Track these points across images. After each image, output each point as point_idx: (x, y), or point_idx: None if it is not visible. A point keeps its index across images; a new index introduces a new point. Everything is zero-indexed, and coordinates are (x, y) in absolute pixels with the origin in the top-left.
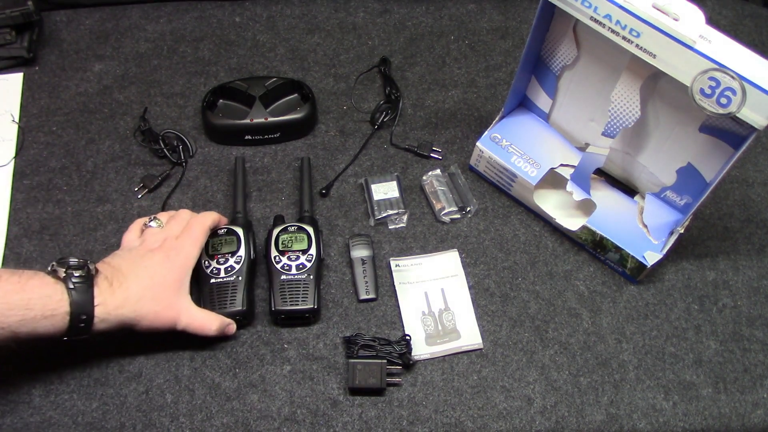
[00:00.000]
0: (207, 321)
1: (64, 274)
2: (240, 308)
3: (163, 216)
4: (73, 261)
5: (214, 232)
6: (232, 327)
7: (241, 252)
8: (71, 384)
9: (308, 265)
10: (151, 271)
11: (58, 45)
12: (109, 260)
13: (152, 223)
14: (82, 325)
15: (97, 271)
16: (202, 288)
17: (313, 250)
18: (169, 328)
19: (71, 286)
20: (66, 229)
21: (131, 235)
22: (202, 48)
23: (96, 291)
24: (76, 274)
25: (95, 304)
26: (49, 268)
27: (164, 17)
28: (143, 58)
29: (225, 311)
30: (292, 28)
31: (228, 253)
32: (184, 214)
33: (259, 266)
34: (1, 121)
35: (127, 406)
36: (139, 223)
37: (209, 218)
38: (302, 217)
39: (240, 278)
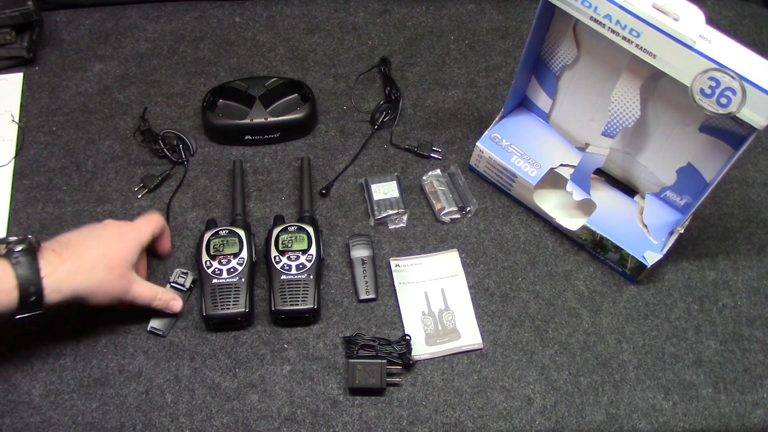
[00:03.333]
0: (153, 293)
1: (6, 250)
2: (243, 310)
3: None
4: (12, 238)
5: (215, 233)
6: (176, 303)
7: (244, 254)
8: (71, 384)
9: (308, 265)
10: (105, 240)
11: (58, 45)
12: (56, 237)
13: None
14: (33, 298)
15: (39, 245)
16: (204, 287)
17: (313, 250)
18: (118, 298)
19: (14, 261)
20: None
21: None
22: (202, 48)
23: (42, 263)
24: (18, 248)
25: (42, 275)
26: None
27: (164, 17)
28: (143, 58)
29: (227, 312)
30: (292, 28)
31: (230, 255)
32: (151, 213)
33: (258, 266)
34: (1, 121)
35: (127, 406)
36: None
37: (157, 219)
38: (302, 217)
39: (242, 280)
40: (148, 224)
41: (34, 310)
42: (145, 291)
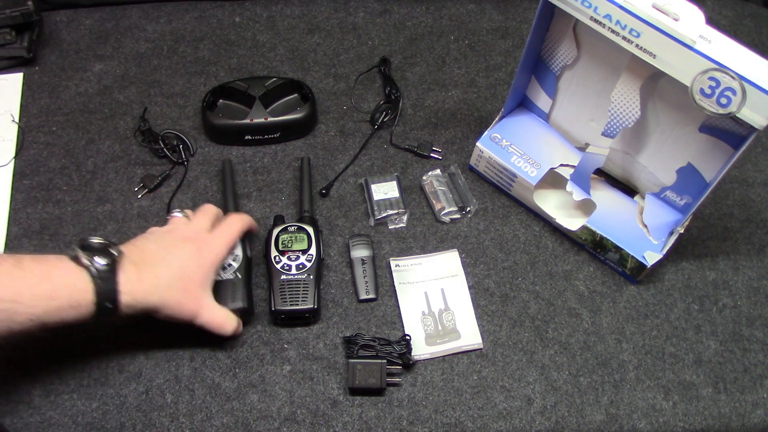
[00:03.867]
0: (226, 320)
1: (87, 261)
2: (241, 305)
3: (187, 211)
4: (95, 242)
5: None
6: (240, 328)
7: (238, 251)
8: (71, 384)
9: (308, 265)
10: (183, 261)
11: (58, 45)
12: (136, 242)
13: (177, 213)
14: (108, 310)
15: (121, 253)
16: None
17: (313, 250)
18: (188, 321)
19: (95, 274)
20: (66, 229)
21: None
22: (202, 48)
23: (122, 278)
24: (101, 262)
25: (120, 291)
26: (71, 254)
27: (164, 17)
28: (143, 58)
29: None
30: (292, 28)
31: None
32: (211, 208)
33: (258, 266)
34: (1, 121)
35: (127, 406)
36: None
37: (246, 221)
38: (302, 217)
39: (239, 276)
40: (227, 243)
41: (107, 321)
42: (217, 319)
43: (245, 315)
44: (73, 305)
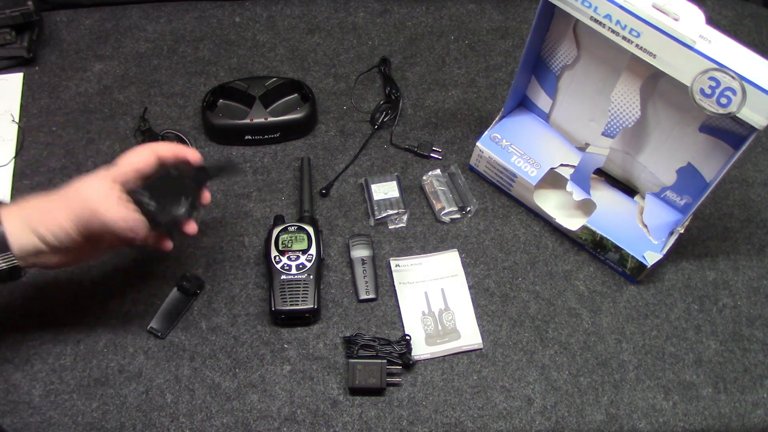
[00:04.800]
0: (130, 217)
1: None
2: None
3: None
4: None
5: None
6: (168, 243)
7: (312, 251)
8: (71, 384)
9: (308, 265)
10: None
11: (58, 45)
12: None
13: None
14: None
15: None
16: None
17: (313, 250)
18: (94, 225)
19: None
20: None
21: None
22: (202, 48)
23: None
24: None
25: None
26: None
27: (164, 17)
28: (143, 58)
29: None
30: (292, 28)
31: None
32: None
33: (258, 266)
34: (1, 121)
35: (127, 406)
36: None
37: (164, 146)
38: (302, 217)
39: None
40: (129, 163)
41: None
42: (118, 213)
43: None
44: None
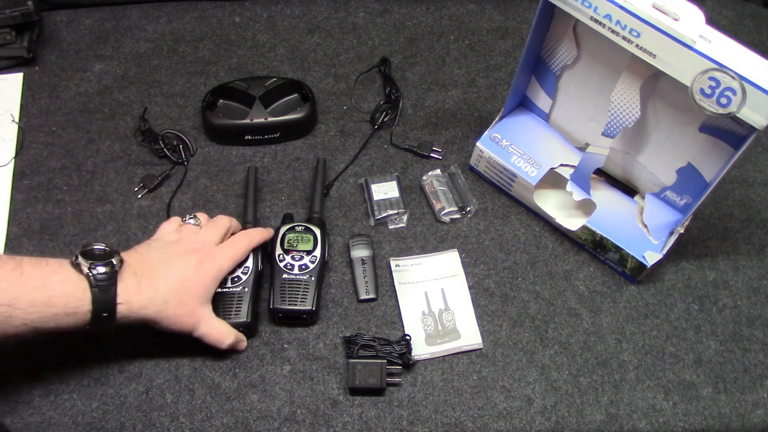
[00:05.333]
0: (224, 334)
1: (87, 269)
2: (244, 320)
3: (202, 216)
4: (98, 249)
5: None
6: (243, 344)
7: (249, 263)
8: (71, 384)
9: (311, 266)
10: (183, 274)
11: (58, 45)
12: (141, 250)
13: (191, 220)
14: (104, 319)
15: (122, 262)
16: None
17: (317, 252)
18: (186, 333)
19: (94, 284)
20: (66, 229)
21: (169, 227)
22: (202, 48)
23: (120, 288)
24: (101, 271)
25: (118, 302)
26: (72, 259)
27: (164, 17)
28: (143, 58)
29: (229, 322)
30: (292, 28)
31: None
32: (223, 220)
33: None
34: (1, 121)
35: (127, 406)
36: (177, 219)
37: (257, 236)
38: (311, 217)
39: (246, 289)
40: (232, 259)
41: (103, 329)
42: (214, 332)
43: (248, 330)
44: (69, 313)
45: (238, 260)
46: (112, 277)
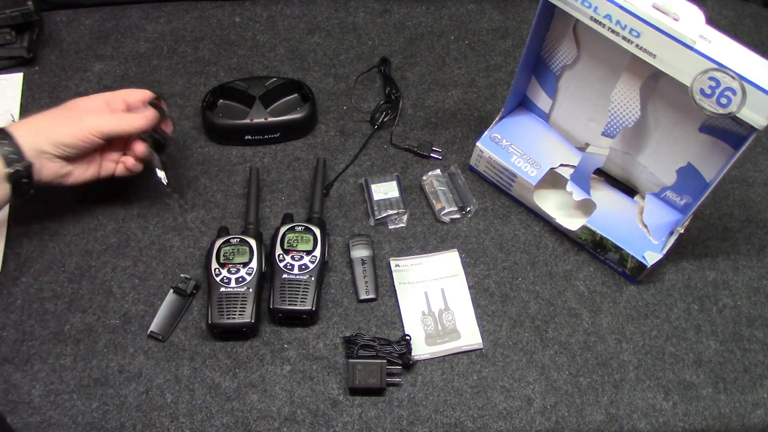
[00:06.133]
0: (129, 119)
1: None
2: (248, 320)
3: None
4: None
5: (226, 241)
6: (169, 126)
7: (253, 264)
8: (71, 384)
9: (311, 266)
10: (65, 104)
11: (58, 45)
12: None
13: None
14: (22, 173)
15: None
16: (211, 295)
17: (317, 252)
18: (84, 137)
19: None
20: (66, 229)
21: None
22: (202, 48)
23: (14, 131)
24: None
25: (15, 136)
26: None
27: (164, 17)
28: (143, 58)
29: (233, 322)
30: (292, 28)
31: (240, 264)
32: (126, 92)
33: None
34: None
35: (127, 406)
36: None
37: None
38: (311, 218)
39: (250, 290)
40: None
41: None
42: (107, 121)
43: (251, 330)
44: None
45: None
46: (5, 130)
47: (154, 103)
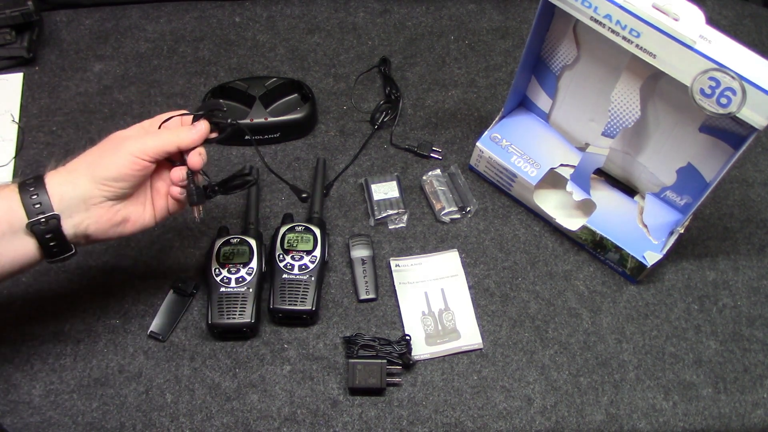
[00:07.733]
0: (166, 135)
1: (18, 187)
2: (249, 320)
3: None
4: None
5: (226, 241)
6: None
7: (253, 264)
8: (71, 384)
9: (311, 266)
10: (98, 148)
11: (58, 45)
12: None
13: None
14: (42, 222)
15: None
16: (211, 295)
17: (317, 252)
18: (130, 164)
19: (23, 186)
20: None
21: None
22: (202, 48)
23: (48, 181)
24: (29, 179)
25: (49, 193)
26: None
27: (164, 17)
28: (143, 58)
29: (233, 322)
30: (292, 28)
31: (240, 264)
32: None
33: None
34: (1, 121)
35: (127, 406)
36: None
37: (173, 140)
38: (311, 217)
39: (250, 290)
40: (136, 126)
41: (60, 247)
42: (152, 138)
43: (252, 330)
44: (7, 228)
45: (168, 143)
46: (40, 178)
47: (208, 116)
